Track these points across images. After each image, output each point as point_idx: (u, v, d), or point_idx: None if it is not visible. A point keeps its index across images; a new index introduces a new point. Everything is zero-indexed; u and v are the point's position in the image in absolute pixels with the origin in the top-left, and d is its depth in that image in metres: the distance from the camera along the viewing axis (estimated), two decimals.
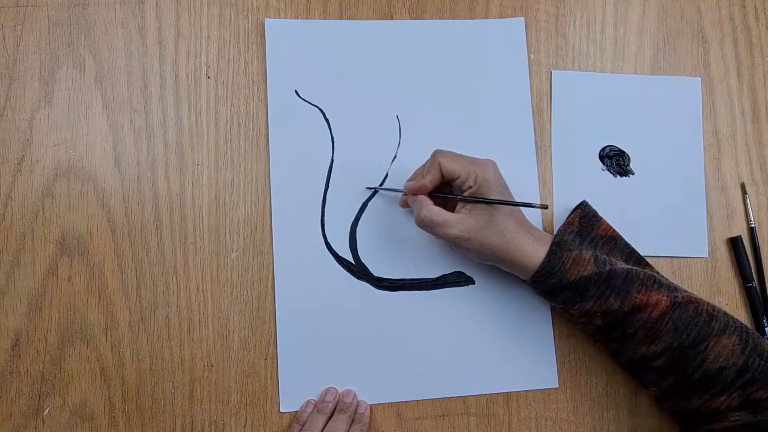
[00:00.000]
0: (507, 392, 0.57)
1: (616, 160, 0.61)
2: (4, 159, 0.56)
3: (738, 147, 0.63)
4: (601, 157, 0.62)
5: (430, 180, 0.52)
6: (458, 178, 0.51)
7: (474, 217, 0.51)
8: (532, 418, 0.57)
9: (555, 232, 0.58)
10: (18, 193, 0.56)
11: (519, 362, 0.58)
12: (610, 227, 0.57)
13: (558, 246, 0.51)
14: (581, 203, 0.58)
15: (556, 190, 0.61)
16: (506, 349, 0.58)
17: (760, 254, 0.61)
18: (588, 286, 0.50)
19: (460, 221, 0.51)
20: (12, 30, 0.58)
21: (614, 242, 0.56)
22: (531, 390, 0.58)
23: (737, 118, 0.63)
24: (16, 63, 0.58)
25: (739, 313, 0.60)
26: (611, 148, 0.62)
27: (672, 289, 0.51)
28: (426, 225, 0.52)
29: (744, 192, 0.62)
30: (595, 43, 0.64)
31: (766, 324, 0.59)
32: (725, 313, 0.50)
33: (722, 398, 0.47)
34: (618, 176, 0.61)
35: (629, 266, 0.52)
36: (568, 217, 0.57)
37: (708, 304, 0.51)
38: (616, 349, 0.53)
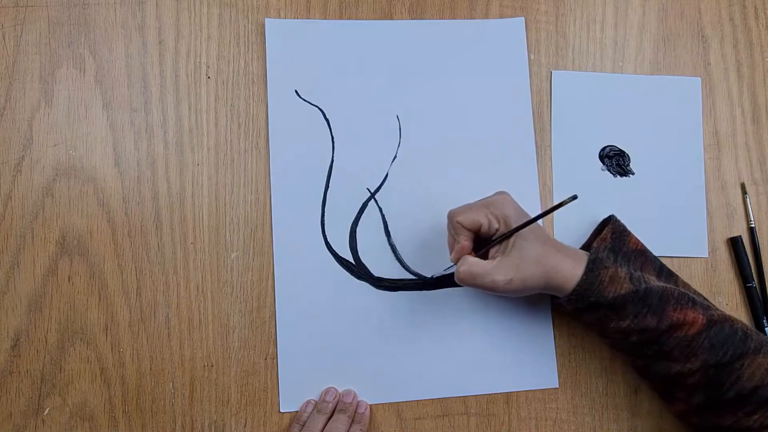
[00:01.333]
0: (507, 392, 0.57)
1: (616, 160, 0.61)
2: (4, 159, 0.56)
3: (738, 147, 0.63)
4: (601, 157, 0.62)
5: (464, 239, 0.52)
6: (481, 225, 0.51)
7: (509, 258, 0.50)
8: (532, 418, 0.57)
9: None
10: (18, 193, 0.56)
11: (519, 362, 0.58)
12: (639, 241, 0.56)
13: (594, 263, 0.50)
14: (610, 217, 0.57)
15: (556, 191, 0.61)
16: (506, 349, 0.58)
17: (760, 254, 0.61)
18: (625, 305, 0.49)
19: (497, 267, 0.50)
20: (12, 30, 0.58)
21: (645, 256, 0.55)
22: (531, 390, 0.58)
23: (737, 118, 0.63)
24: (16, 63, 0.58)
25: (739, 313, 0.60)
26: (611, 148, 0.62)
27: (706, 307, 0.50)
28: (468, 278, 0.51)
29: (744, 192, 0.62)
30: (595, 43, 0.64)
31: (766, 324, 0.59)
32: (757, 332, 0.50)
33: (755, 416, 0.47)
34: (618, 176, 0.61)
35: (663, 284, 0.52)
36: (600, 233, 0.56)
37: (741, 322, 0.50)
38: (646, 365, 0.52)
